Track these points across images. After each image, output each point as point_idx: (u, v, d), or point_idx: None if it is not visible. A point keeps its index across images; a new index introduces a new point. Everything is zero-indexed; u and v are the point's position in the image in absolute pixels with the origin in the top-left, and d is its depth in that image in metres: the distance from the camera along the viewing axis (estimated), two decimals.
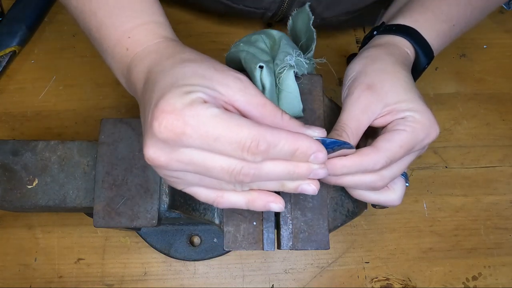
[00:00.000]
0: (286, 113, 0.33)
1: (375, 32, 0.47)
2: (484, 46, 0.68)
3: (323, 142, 0.33)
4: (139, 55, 0.36)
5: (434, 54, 0.45)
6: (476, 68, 0.66)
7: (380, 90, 0.38)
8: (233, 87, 0.32)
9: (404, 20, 0.45)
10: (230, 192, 0.33)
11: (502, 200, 0.60)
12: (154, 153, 0.30)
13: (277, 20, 0.62)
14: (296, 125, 0.33)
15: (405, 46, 0.44)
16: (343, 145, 0.34)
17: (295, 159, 0.31)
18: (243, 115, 0.32)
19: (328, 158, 0.35)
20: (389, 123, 0.38)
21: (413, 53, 0.44)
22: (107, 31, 0.38)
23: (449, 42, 0.48)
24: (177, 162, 0.31)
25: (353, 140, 0.38)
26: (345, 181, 0.37)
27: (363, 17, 0.65)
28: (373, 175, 0.37)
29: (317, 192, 0.33)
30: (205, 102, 0.30)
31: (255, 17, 0.63)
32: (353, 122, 0.38)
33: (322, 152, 0.31)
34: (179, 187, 0.34)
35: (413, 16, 0.45)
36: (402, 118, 0.37)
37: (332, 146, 0.34)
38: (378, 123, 0.38)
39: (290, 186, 0.33)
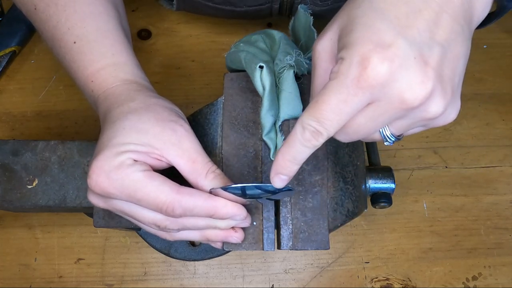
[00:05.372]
0: (214, 170, 0.36)
1: None
2: (484, 46, 0.68)
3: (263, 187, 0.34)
4: (100, 97, 0.40)
5: None
6: (476, 68, 0.66)
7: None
8: (166, 141, 0.35)
9: None
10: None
11: (502, 200, 0.60)
12: (93, 199, 0.36)
13: (287, 14, 0.57)
14: (217, 185, 0.35)
15: None
16: (282, 190, 0.34)
17: (214, 218, 0.35)
18: (175, 167, 0.36)
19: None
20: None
21: None
22: (75, 74, 0.42)
23: None
24: (114, 209, 0.36)
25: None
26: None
27: None
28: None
29: (241, 241, 0.38)
30: (134, 161, 0.34)
31: (263, 15, 0.58)
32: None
33: (239, 215, 0.35)
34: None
35: None
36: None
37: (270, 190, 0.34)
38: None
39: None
